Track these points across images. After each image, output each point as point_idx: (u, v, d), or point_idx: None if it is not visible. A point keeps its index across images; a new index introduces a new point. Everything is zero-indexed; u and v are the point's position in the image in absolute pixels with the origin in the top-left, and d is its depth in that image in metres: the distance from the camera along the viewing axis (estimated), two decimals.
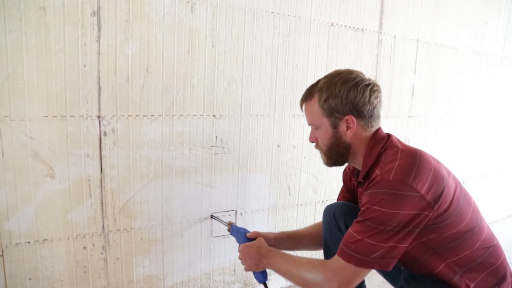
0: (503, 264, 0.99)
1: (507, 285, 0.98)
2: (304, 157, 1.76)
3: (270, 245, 1.16)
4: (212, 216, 1.57)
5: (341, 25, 1.76)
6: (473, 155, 2.54)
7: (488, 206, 2.69)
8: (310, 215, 1.85)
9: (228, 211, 1.61)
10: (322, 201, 1.88)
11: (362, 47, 1.85)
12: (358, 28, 1.82)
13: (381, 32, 1.89)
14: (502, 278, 0.98)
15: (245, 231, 1.25)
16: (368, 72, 1.88)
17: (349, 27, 1.79)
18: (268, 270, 1.17)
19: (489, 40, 2.42)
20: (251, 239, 1.19)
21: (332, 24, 1.73)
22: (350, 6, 1.77)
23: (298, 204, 1.81)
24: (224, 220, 1.56)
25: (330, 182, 1.88)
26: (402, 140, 2.11)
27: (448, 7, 2.16)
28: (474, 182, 2.59)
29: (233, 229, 1.32)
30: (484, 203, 2.66)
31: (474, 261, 0.96)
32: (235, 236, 1.29)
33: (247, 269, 1.14)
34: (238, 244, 1.22)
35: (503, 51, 2.51)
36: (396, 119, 2.06)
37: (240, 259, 1.17)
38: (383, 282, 1.26)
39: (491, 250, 0.98)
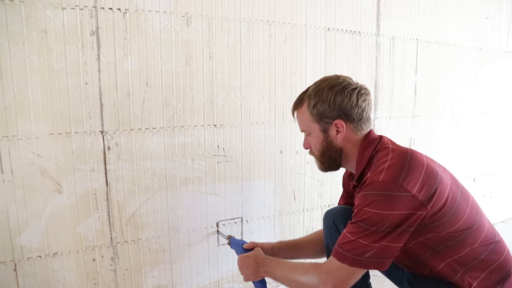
0: (507, 260, 0.98)
1: None
2: (308, 162, 1.77)
3: (268, 255, 1.16)
4: (217, 231, 1.59)
5: (337, 29, 1.77)
6: (484, 152, 2.50)
7: (501, 204, 2.64)
8: (317, 220, 1.85)
9: (233, 218, 1.63)
10: (328, 205, 1.87)
11: (360, 50, 1.86)
12: (355, 31, 1.82)
13: (379, 34, 1.90)
14: (507, 274, 0.96)
15: (243, 243, 1.27)
16: (368, 74, 1.90)
17: (346, 30, 1.80)
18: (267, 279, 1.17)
19: (491, 35, 2.39)
20: (249, 249, 1.21)
21: (329, 29, 1.75)
22: (345, 10, 1.78)
23: (304, 209, 1.81)
24: (226, 232, 1.58)
25: (336, 186, 1.87)
26: (407, 141, 2.12)
27: (447, 4, 2.15)
28: (486, 180, 2.54)
29: (232, 242, 1.34)
30: (497, 200, 2.61)
31: (476, 258, 0.95)
32: (234, 249, 1.32)
33: (246, 279, 1.15)
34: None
35: (507, 45, 2.47)
36: (399, 119, 2.05)
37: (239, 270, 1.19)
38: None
39: (493, 246, 0.97)
